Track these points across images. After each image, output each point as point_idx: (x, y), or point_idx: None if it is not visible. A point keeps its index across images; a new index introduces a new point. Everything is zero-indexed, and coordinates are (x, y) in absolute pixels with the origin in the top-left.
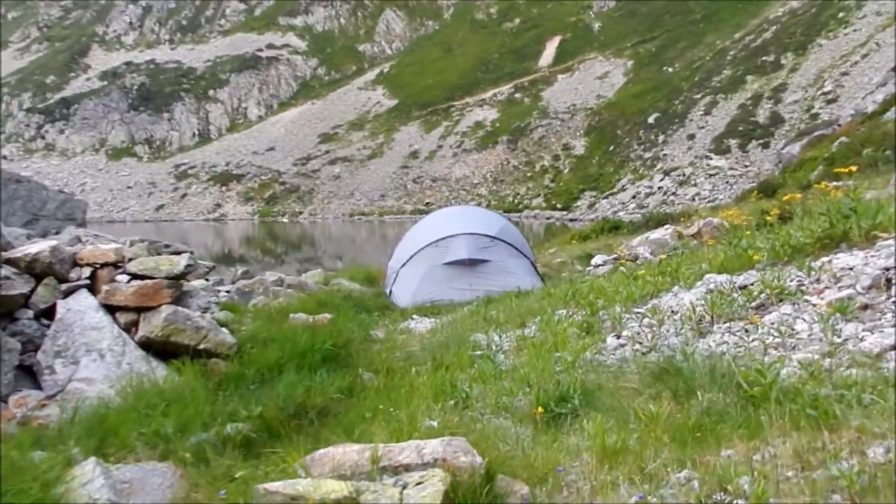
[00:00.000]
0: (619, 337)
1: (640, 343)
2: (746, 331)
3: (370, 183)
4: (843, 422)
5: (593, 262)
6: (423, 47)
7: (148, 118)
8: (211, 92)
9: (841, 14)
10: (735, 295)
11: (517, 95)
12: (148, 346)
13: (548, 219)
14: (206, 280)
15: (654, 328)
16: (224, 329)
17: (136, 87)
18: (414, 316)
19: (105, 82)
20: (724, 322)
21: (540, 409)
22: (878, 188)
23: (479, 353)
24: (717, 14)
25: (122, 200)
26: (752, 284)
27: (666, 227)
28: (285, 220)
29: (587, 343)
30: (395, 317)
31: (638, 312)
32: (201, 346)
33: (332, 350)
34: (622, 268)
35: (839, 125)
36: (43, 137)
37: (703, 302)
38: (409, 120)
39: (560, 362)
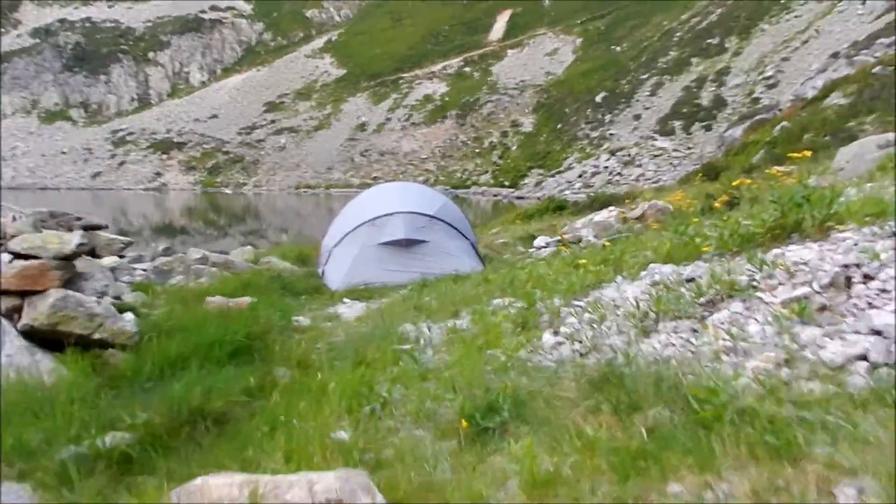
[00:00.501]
0: (556, 333)
1: (580, 342)
2: (695, 331)
3: (316, 155)
4: (807, 451)
5: (536, 243)
6: (371, 16)
7: (83, 80)
8: (151, 54)
9: (783, 0)
10: (682, 290)
11: (467, 69)
12: (34, 335)
13: (495, 195)
14: (122, 257)
15: (595, 325)
16: (127, 316)
17: (70, 46)
18: (345, 300)
19: (37, 40)
20: (671, 320)
21: (465, 424)
22: (818, 174)
23: (405, 346)
24: None
25: (55, 166)
26: (699, 277)
27: (610, 209)
28: (229, 191)
29: (522, 340)
30: (324, 300)
31: (578, 306)
32: (96, 336)
33: (244, 342)
34: (564, 251)
35: (780, 110)
36: None
37: (647, 296)
38: (357, 91)
39: (491, 362)
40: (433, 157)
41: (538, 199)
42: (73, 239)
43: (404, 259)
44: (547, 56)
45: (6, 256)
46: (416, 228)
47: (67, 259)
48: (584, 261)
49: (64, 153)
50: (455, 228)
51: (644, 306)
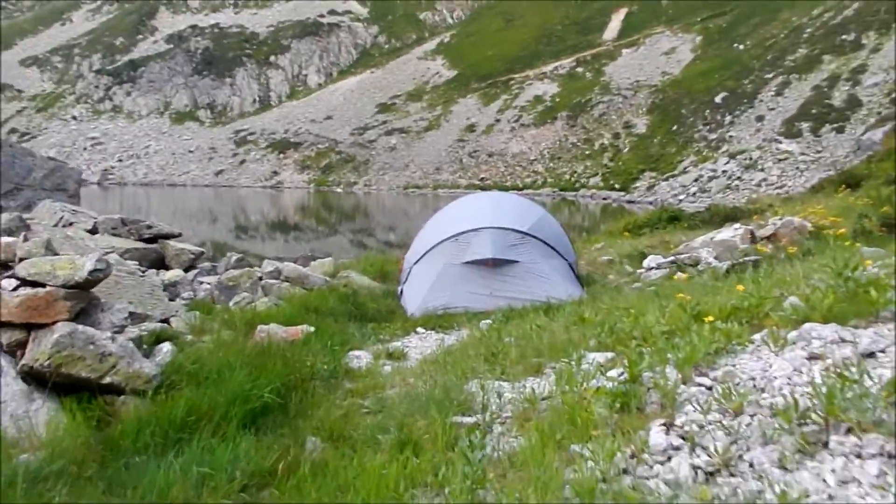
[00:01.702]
0: (670, 429)
1: (704, 450)
2: (892, 457)
3: (425, 155)
4: None
5: (646, 263)
6: (484, 17)
7: (211, 83)
8: (272, 58)
9: None
10: (864, 378)
11: (579, 70)
12: (37, 377)
13: (605, 199)
14: (193, 268)
15: (728, 422)
16: (163, 347)
17: (200, 51)
18: (419, 329)
19: (171, 45)
20: (848, 432)
21: None
22: None
23: (467, 419)
24: None
25: (183, 164)
26: (882, 352)
27: (735, 226)
28: (339, 189)
29: (619, 442)
30: (395, 329)
31: (702, 386)
32: (106, 381)
33: (273, 400)
34: (679, 273)
35: None
36: (111, 99)
37: (805, 379)
38: (467, 92)
39: (575, 467)
40: (542, 158)
41: (650, 203)
42: (87, 264)
43: (490, 281)
44: (663, 55)
45: (10, 283)
46: (506, 247)
47: (80, 287)
48: (709, 318)
49: (191, 152)
50: (551, 247)
51: (803, 401)
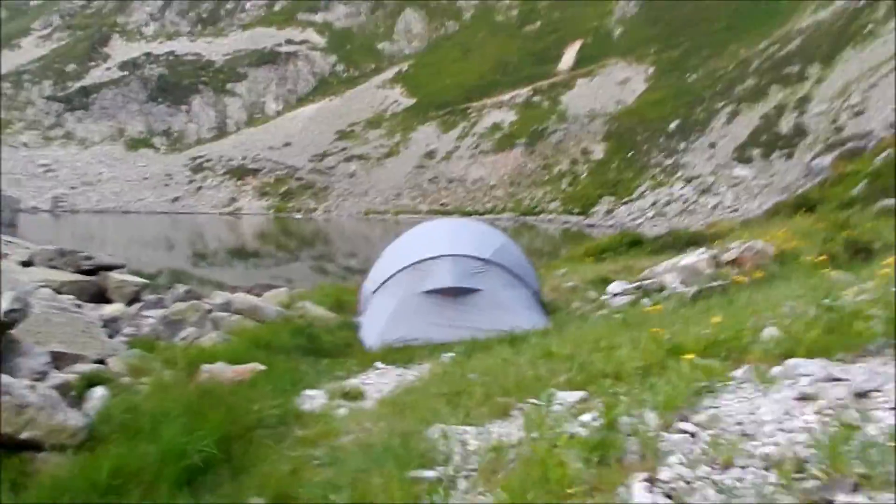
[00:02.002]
0: (653, 484)
1: None
2: None
3: (386, 181)
4: None
5: (610, 289)
6: (442, 48)
7: (166, 109)
8: (229, 85)
9: (870, 26)
10: (865, 423)
11: (536, 98)
12: None
13: (564, 223)
14: (137, 301)
15: (718, 475)
16: (96, 392)
17: (154, 78)
18: (377, 364)
19: (125, 72)
20: (853, 490)
21: None
22: None
23: (427, 474)
24: (741, 23)
25: (138, 191)
26: (877, 391)
27: (700, 251)
28: (300, 216)
29: (598, 502)
30: (352, 364)
31: (685, 432)
32: (24, 435)
33: (213, 453)
34: (645, 300)
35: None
36: (62, 126)
37: (800, 425)
38: (426, 120)
39: None
40: (502, 184)
41: (610, 227)
42: (3, 303)
43: (452, 312)
44: (618, 85)
45: None
46: (467, 275)
47: None
48: (688, 354)
49: (146, 178)
50: (514, 274)
51: (800, 450)
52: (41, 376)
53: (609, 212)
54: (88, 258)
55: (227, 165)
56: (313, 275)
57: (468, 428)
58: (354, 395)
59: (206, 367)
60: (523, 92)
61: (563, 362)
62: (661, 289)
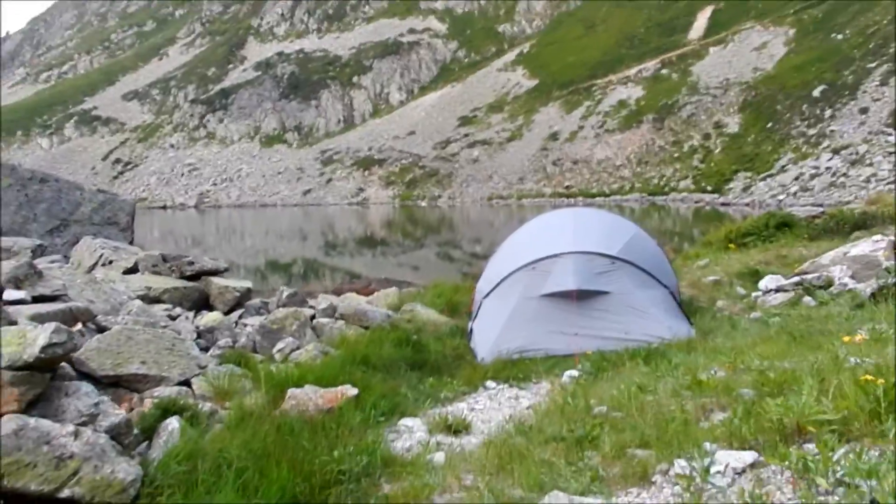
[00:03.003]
0: None
1: None
2: None
3: (509, 166)
4: None
5: (762, 284)
6: (564, 25)
7: (297, 106)
8: (355, 79)
9: None
10: None
11: (664, 71)
12: None
13: (696, 202)
14: (239, 307)
15: None
16: (170, 425)
17: (286, 76)
18: (489, 382)
19: (259, 73)
20: None
21: None
22: None
23: None
24: None
25: (273, 185)
26: None
27: (875, 237)
28: (424, 203)
29: None
30: (459, 383)
31: None
32: (65, 493)
33: None
34: (807, 298)
35: None
36: (205, 126)
37: None
38: (549, 100)
39: None
40: (628, 163)
41: (746, 205)
42: (39, 338)
43: (575, 317)
44: (754, 51)
45: None
46: (593, 275)
47: (34, 368)
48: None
49: (280, 173)
50: (647, 272)
51: None
52: (90, 418)
53: (746, 188)
54: (191, 263)
55: (354, 157)
56: (439, 262)
57: (594, 501)
58: (458, 428)
59: (292, 391)
60: (650, 65)
61: (718, 396)
62: (828, 284)
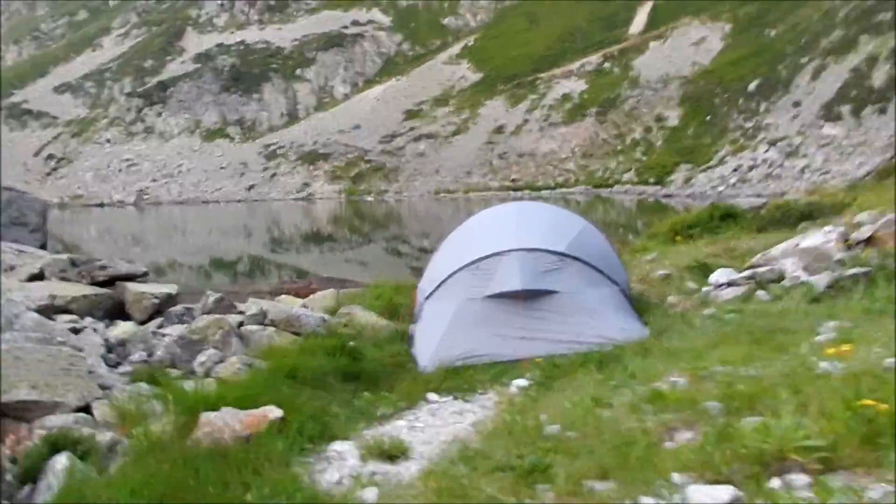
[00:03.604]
0: None
1: None
2: None
3: (455, 159)
4: None
5: (713, 279)
6: (507, 18)
7: (239, 99)
8: (298, 71)
9: None
10: None
11: (606, 65)
12: None
13: (640, 195)
14: (158, 314)
15: None
16: (57, 462)
17: (227, 68)
18: (430, 396)
19: (199, 64)
20: None
21: None
22: None
23: None
24: None
25: (215, 181)
26: None
27: (826, 228)
28: (370, 198)
29: None
30: (398, 397)
31: None
32: None
33: None
34: (760, 292)
35: None
36: (143, 121)
37: None
38: (494, 94)
39: None
40: (573, 156)
41: (688, 196)
42: None
43: (522, 320)
44: (693, 46)
45: None
46: (540, 273)
47: None
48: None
49: (223, 168)
50: (597, 269)
51: None
52: None
53: (687, 180)
54: (103, 268)
55: (298, 151)
56: (386, 257)
57: None
58: (395, 453)
59: (205, 416)
60: (593, 59)
61: (681, 410)
62: (781, 278)
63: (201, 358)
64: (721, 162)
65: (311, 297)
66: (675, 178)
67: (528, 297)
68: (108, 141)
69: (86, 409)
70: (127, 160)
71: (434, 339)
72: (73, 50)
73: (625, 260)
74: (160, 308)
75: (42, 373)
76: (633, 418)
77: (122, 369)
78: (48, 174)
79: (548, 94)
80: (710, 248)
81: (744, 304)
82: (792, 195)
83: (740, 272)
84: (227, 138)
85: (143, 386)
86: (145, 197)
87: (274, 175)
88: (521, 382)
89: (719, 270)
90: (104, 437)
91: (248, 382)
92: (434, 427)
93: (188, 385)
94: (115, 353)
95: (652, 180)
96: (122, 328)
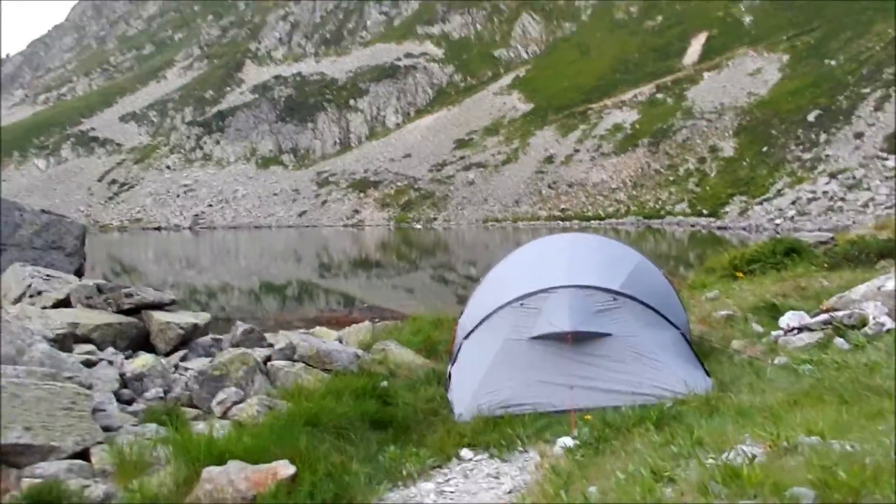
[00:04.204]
0: None
1: None
2: None
3: (504, 189)
4: None
5: (783, 322)
6: (559, 50)
7: (294, 128)
8: (352, 101)
9: None
10: None
11: (659, 96)
12: None
13: (692, 226)
14: (184, 346)
15: None
16: None
17: (283, 98)
18: (463, 452)
19: (256, 95)
20: None
21: None
22: None
23: None
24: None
25: (268, 207)
26: None
27: None
28: (419, 226)
29: None
30: (429, 452)
31: None
32: None
33: None
34: (838, 340)
35: None
36: (201, 148)
37: None
38: (544, 124)
39: None
40: (624, 186)
41: (744, 229)
42: None
43: (571, 365)
44: (749, 76)
45: None
46: (592, 314)
47: None
48: None
49: (276, 194)
50: (654, 310)
51: None
52: None
53: (742, 212)
54: (129, 295)
55: (349, 179)
56: (433, 284)
57: None
58: None
59: (208, 471)
60: (646, 90)
61: (764, 496)
62: (862, 323)
63: (221, 396)
64: (778, 194)
65: (347, 329)
66: (729, 210)
67: (578, 339)
68: (169, 167)
69: (84, 454)
70: (185, 186)
71: (472, 384)
72: (139, 81)
73: (683, 297)
74: (186, 338)
75: (39, 413)
76: (702, 502)
77: (135, 407)
78: (110, 198)
79: (599, 125)
80: (777, 287)
81: (819, 352)
82: (860, 230)
83: (814, 316)
84: (281, 166)
85: (152, 427)
86: (201, 221)
87: (325, 202)
88: (567, 441)
89: (790, 313)
90: (97, 489)
91: (263, 430)
92: (466, 493)
93: (200, 427)
94: (130, 387)
95: (705, 212)
96: (142, 361)
